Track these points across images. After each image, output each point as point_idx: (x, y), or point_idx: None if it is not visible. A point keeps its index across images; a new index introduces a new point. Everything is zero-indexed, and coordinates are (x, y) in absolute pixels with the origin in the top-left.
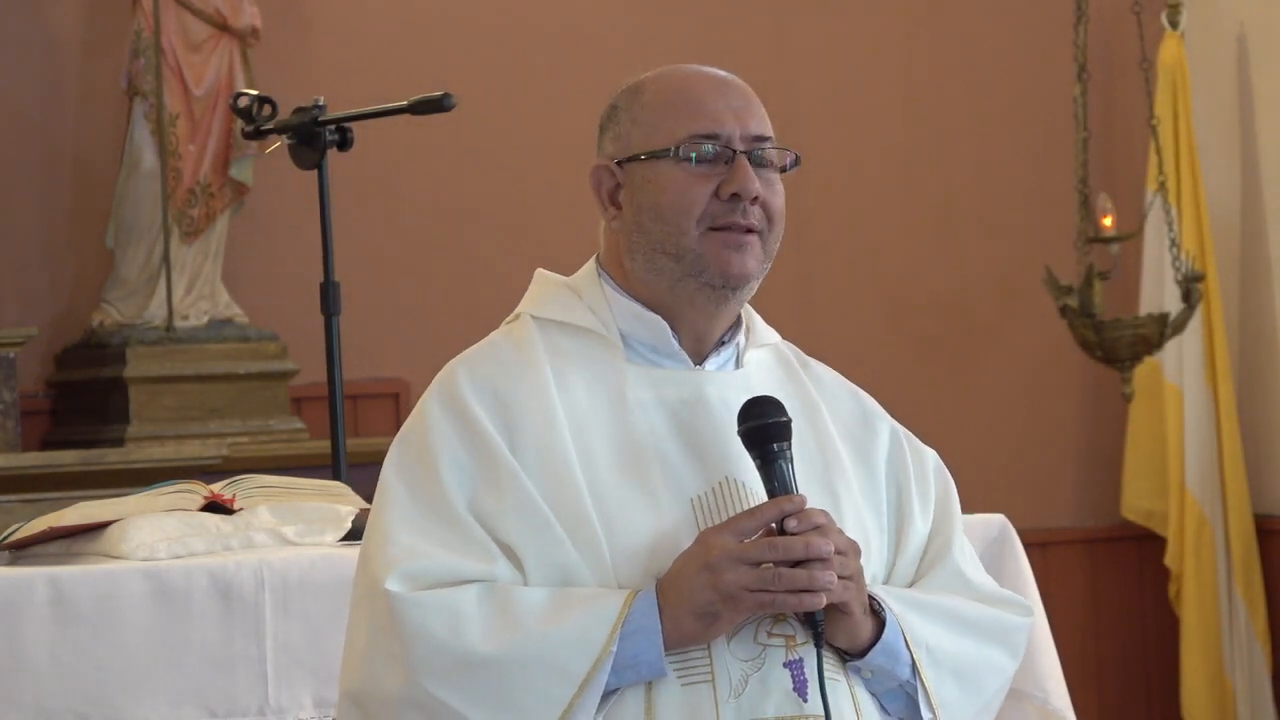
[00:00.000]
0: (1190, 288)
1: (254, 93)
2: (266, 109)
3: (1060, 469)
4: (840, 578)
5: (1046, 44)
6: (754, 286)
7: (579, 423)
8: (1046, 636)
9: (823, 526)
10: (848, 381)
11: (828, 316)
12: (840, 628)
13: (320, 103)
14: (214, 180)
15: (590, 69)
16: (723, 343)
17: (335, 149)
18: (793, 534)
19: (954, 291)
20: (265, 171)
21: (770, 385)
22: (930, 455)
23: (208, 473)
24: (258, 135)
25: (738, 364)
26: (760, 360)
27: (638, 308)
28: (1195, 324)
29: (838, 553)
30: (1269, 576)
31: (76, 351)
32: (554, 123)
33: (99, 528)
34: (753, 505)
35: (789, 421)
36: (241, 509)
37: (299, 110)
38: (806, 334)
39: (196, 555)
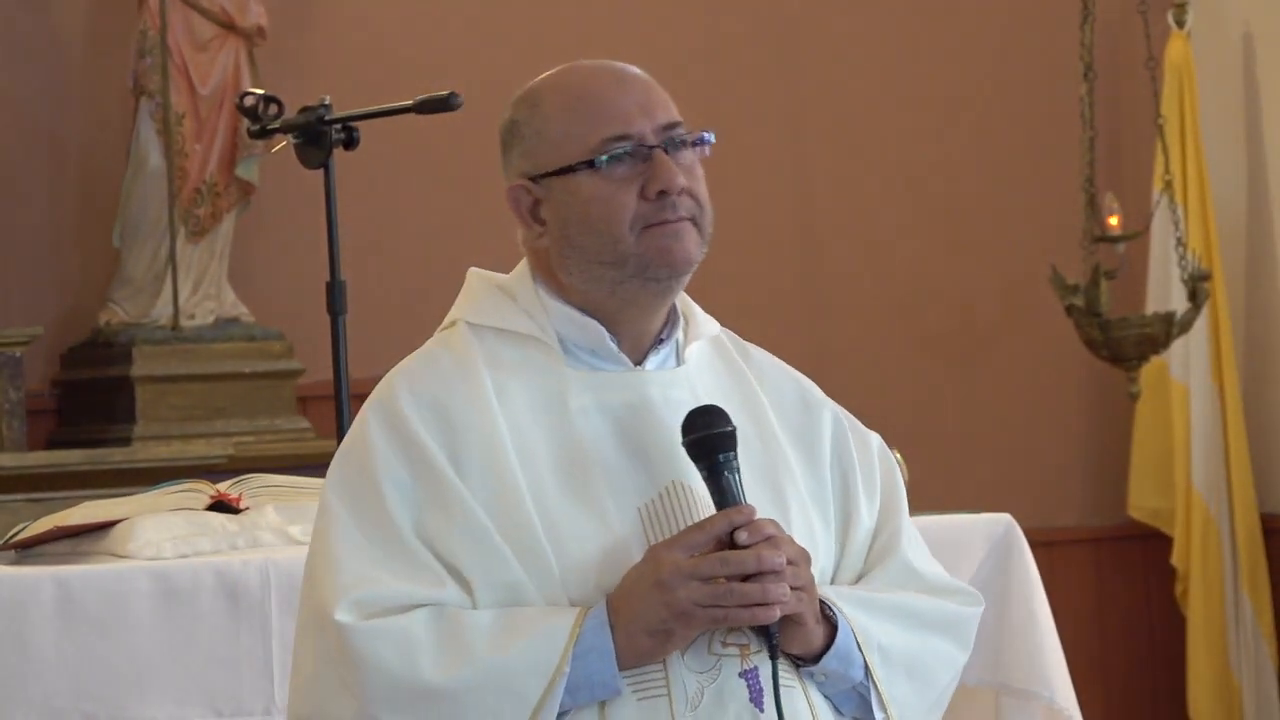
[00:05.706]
0: (1196, 287)
1: (260, 92)
2: (273, 108)
3: (1066, 468)
4: (793, 589)
5: (1053, 44)
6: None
7: (521, 435)
8: (1053, 635)
9: (773, 538)
10: (788, 367)
11: (834, 316)
12: (794, 637)
13: (326, 102)
14: (220, 179)
15: None
16: (661, 340)
17: (341, 148)
18: (743, 547)
19: (960, 290)
20: (271, 171)
21: (711, 380)
22: (874, 439)
23: (214, 472)
24: (264, 134)
25: (678, 360)
26: (701, 354)
27: (573, 313)
28: (1201, 323)
29: (789, 563)
30: (1275, 575)
31: (82, 350)
32: None
33: (105, 527)
34: (699, 509)
35: (734, 430)
36: (248, 508)
37: (305, 109)
38: (813, 333)
39: (203, 554)
